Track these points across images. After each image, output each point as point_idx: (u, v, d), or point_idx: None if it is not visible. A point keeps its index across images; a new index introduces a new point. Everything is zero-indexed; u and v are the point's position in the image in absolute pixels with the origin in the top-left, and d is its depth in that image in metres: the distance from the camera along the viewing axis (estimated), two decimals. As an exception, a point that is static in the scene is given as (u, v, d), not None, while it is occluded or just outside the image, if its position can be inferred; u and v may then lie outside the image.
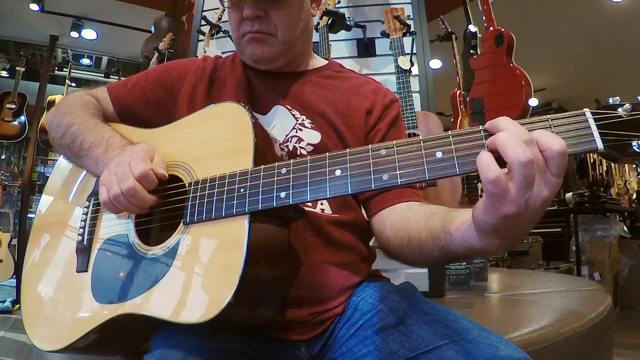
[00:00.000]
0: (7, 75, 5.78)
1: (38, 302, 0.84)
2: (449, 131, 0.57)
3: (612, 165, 5.26)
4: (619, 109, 0.52)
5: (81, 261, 0.81)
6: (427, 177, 0.56)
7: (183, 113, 0.88)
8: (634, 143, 0.52)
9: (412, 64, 1.85)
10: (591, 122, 0.52)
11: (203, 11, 2.18)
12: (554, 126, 0.53)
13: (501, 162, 0.50)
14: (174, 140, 0.82)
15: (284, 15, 0.86)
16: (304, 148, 0.86)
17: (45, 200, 0.96)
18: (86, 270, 0.80)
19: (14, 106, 5.04)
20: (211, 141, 0.76)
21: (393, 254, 0.80)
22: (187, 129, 0.82)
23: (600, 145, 0.52)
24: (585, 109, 0.54)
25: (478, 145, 0.54)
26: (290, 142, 0.87)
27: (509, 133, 0.50)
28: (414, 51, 1.89)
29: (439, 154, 0.56)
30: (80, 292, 0.79)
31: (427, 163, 0.56)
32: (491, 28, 2.98)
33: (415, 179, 0.57)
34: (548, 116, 0.54)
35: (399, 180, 0.57)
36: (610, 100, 0.54)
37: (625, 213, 5.19)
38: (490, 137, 0.52)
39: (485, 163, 0.50)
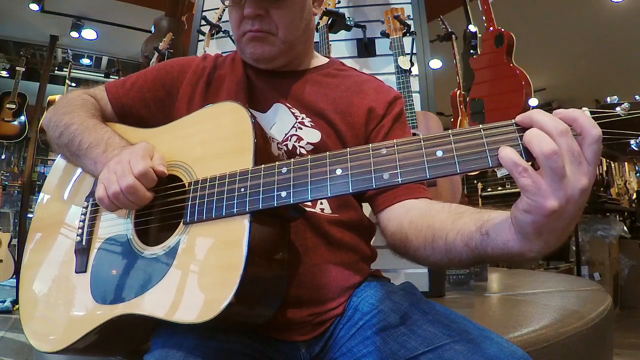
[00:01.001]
0: (7, 75, 5.77)
1: (37, 303, 0.84)
2: (449, 130, 0.57)
3: (612, 165, 5.26)
4: (617, 108, 0.52)
5: (80, 262, 0.81)
6: (428, 176, 0.56)
7: (182, 112, 0.88)
8: (633, 142, 0.52)
9: (412, 64, 1.85)
10: None
11: (203, 11, 2.18)
12: None
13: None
14: (173, 140, 0.82)
15: (285, 14, 0.85)
16: (303, 147, 0.86)
17: (43, 201, 0.96)
18: (85, 271, 0.80)
19: (14, 106, 5.04)
20: (210, 141, 0.76)
21: (409, 253, 0.76)
22: (186, 128, 0.82)
23: None
24: (584, 108, 0.53)
25: (478, 144, 0.54)
26: (290, 140, 0.86)
27: (534, 129, 0.50)
28: (414, 51, 1.89)
29: (439, 153, 0.56)
30: (79, 293, 0.79)
31: (427, 162, 0.56)
32: (491, 28, 2.98)
33: (416, 177, 0.57)
34: None
35: (400, 179, 0.57)
36: (609, 100, 0.54)
37: (625, 213, 5.19)
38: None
39: (508, 156, 0.50)
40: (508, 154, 0.50)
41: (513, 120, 0.53)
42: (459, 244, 0.64)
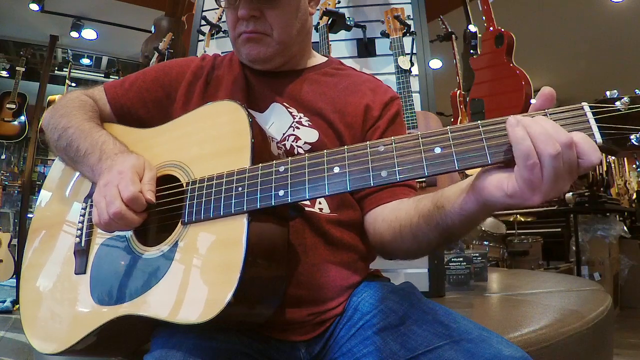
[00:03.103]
0: (7, 75, 5.77)
1: (37, 305, 0.84)
2: (448, 127, 0.57)
3: (612, 165, 5.26)
4: (617, 103, 0.52)
5: (79, 263, 0.81)
6: (426, 173, 0.56)
7: (180, 112, 0.88)
8: (633, 136, 0.51)
9: (412, 64, 1.85)
10: (589, 116, 0.52)
11: (203, 11, 2.18)
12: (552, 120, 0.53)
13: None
14: (170, 140, 0.82)
15: (280, 15, 0.86)
16: (301, 147, 0.86)
17: (42, 202, 0.96)
18: (84, 272, 0.80)
19: (14, 106, 5.05)
20: (208, 140, 0.76)
21: (387, 249, 0.80)
22: (183, 128, 0.82)
23: (599, 139, 0.51)
24: (583, 103, 0.53)
25: (477, 141, 0.54)
26: (288, 140, 0.86)
27: (541, 128, 0.50)
28: (414, 51, 1.89)
29: (437, 150, 0.56)
30: (79, 294, 0.79)
31: (425, 159, 0.56)
32: (491, 28, 2.99)
33: (414, 175, 0.57)
34: (546, 110, 0.53)
35: (398, 177, 0.57)
36: (608, 94, 0.53)
37: (625, 213, 5.18)
38: (510, 126, 0.52)
39: (524, 145, 0.50)
40: (526, 144, 0.50)
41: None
42: (423, 226, 0.67)
